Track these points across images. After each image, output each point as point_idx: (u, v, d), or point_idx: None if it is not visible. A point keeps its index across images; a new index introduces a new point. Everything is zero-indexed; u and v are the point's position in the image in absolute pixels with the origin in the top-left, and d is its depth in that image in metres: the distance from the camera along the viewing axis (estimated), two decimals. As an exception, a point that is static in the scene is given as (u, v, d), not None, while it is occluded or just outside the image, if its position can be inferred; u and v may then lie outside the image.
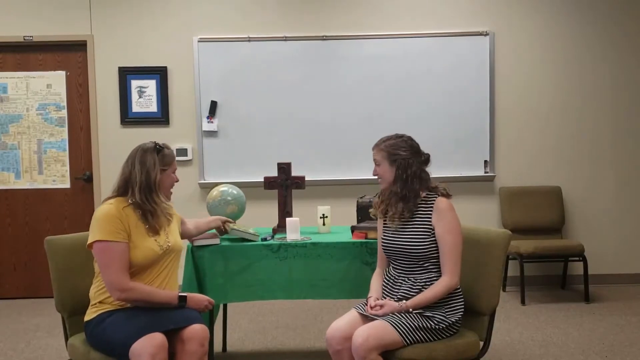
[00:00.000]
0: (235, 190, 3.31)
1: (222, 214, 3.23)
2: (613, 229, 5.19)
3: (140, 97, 5.10)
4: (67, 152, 5.16)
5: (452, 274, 2.47)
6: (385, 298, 2.56)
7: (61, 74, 5.14)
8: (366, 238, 3.03)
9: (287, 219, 3.11)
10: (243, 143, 5.07)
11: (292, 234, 3.07)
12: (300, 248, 2.99)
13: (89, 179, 5.13)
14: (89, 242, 2.40)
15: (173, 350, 2.36)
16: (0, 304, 4.98)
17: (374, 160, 2.62)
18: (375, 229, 2.91)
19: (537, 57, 5.13)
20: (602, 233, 5.18)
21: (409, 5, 5.10)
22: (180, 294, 2.49)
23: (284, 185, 3.37)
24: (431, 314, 2.45)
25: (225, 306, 3.74)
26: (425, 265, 2.54)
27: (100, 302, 2.44)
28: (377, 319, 2.43)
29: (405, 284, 2.55)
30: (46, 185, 5.15)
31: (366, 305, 2.57)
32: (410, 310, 2.44)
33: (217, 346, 3.62)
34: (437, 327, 2.44)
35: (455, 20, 5.09)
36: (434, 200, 2.55)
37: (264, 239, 3.06)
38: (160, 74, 5.08)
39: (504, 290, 4.95)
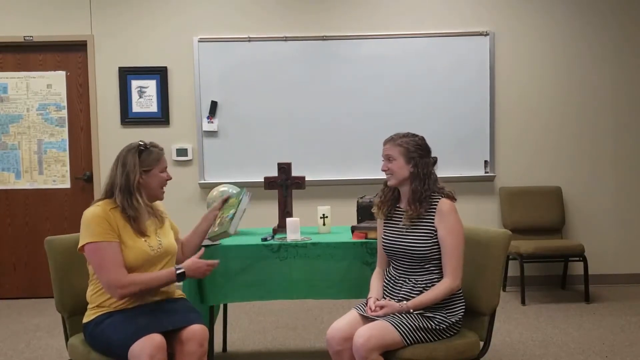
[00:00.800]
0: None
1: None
2: (613, 229, 5.19)
3: (140, 97, 5.10)
4: (67, 152, 5.16)
5: (454, 276, 2.47)
6: (386, 298, 2.56)
7: (61, 74, 5.14)
8: (366, 238, 3.03)
9: (287, 219, 3.11)
10: (243, 143, 5.07)
11: (292, 234, 3.07)
12: (300, 248, 2.99)
13: (89, 179, 5.14)
14: (79, 245, 2.40)
15: (172, 350, 2.35)
16: (0, 304, 4.98)
17: (387, 155, 2.58)
18: (375, 229, 2.90)
19: (537, 57, 5.13)
20: (602, 233, 5.18)
21: (409, 5, 5.10)
22: (177, 269, 2.44)
23: (284, 186, 3.37)
24: (432, 315, 2.45)
25: (225, 306, 3.74)
26: (427, 266, 2.53)
27: (98, 305, 2.43)
28: (377, 319, 2.43)
29: (406, 285, 2.54)
30: (46, 185, 5.16)
31: (366, 305, 2.57)
32: (411, 310, 2.44)
33: (217, 346, 3.62)
34: (437, 327, 2.44)
35: (455, 21, 5.09)
36: (437, 201, 2.54)
37: (264, 239, 3.06)
38: (160, 74, 5.08)
39: (504, 290, 4.95)
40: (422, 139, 2.63)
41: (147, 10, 5.08)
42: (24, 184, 5.15)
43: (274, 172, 3.41)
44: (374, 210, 2.71)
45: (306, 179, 3.41)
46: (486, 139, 5.10)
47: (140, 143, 2.51)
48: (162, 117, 5.10)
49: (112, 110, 5.11)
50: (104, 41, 5.08)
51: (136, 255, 2.41)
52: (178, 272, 2.43)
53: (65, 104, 5.15)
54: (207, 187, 4.83)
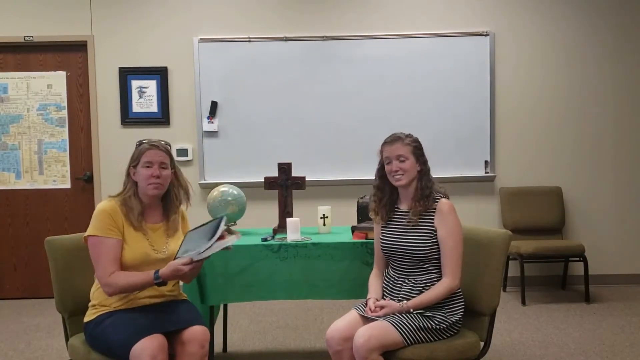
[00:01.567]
0: (235, 191, 3.32)
1: (222, 214, 3.23)
2: (613, 229, 5.19)
3: (140, 97, 5.10)
4: (67, 153, 5.16)
5: (454, 276, 2.47)
6: (385, 299, 2.56)
7: (61, 74, 5.14)
8: (366, 238, 3.03)
9: (288, 219, 3.11)
10: (243, 143, 5.07)
11: (293, 234, 3.07)
12: (300, 248, 2.99)
13: (90, 179, 5.14)
14: (84, 235, 2.43)
15: (173, 351, 2.35)
16: (0, 304, 4.98)
17: (398, 155, 2.55)
18: (375, 229, 2.90)
19: (537, 57, 5.14)
20: (602, 233, 5.18)
21: (409, 5, 5.10)
22: (155, 273, 2.35)
23: (285, 186, 3.37)
24: (432, 314, 2.46)
25: (225, 306, 3.74)
26: (426, 266, 2.54)
27: (99, 303, 2.44)
28: (377, 319, 2.43)
29: (405, 285, 2.55)
30: (46, 185, 5.16)
31: (366, 305, 2.57)
32: (411, 310, 2.44)
33: (218, 346, 3.62)
34: (437, 327, 2.44)
35: (455, 21, 5.09)
36: (437, 201, 2.55)
37: (265, 239, 3.06)
38: (160, 74, 5.08)
39: (504, 290, 4.95)
40: (416, 137, 2.67)
41: (148, 11, 5.08)
42: (24, 184, 5.15)
43: (274, 172, 3.41)
44: (372, 215, 2.70)
45: (306, 179, 3.41)
46: (486, 139, 5.10)
47: (142, 140, 2.55)
48: (162, 118, 5.10)
49: (113, 110, 5.11)
50: (104, 41, 5.08)
51: (134, 255, 2.41)
52: (155, 280, 2.34)
53: (65, 104, 5.15)
54: (208, 188, 4.83)
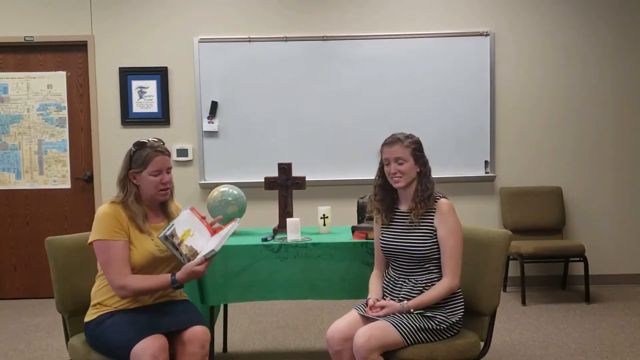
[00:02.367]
0: (235, 191, 3.32)
1: (222, 214, 3.23)
2: (613, 229, 5.19)
3: (140, 97, 5.10)
4: (67, 153, 5.16)
5: (454, 276, 2.47)
6: (386, 299, 2.56)
7: (62, 75, 5.14)
8: (366, 238, 3.02)
9: (288, 220, 3.11)
10: (243, 143, 5.07)
11: (293, 235, 3.07)
12: (300, 248, 2.99)
13: (90, 180, 5.14)
14: (89, 241, 2.41)
15: (174, 351, 2.35)
16: (0, 304, 4.99)
17: (397, 157, 2.55)
18: (376, 229, 2.90)
19: (537, 57, 5.13)
20: (602, 233, 5.18)
21: (409, 5, 5.10)
22: (172, 276, 2.36)
23: (285, 186, 3.37)
24: (432, 315, 2.46)
25: (225, 306, 3.74)
26: (426, 266, 2.54)
27: (100, 303, 2.44)
28: (378, 320, 2.44)
29: (406, 286, 2.55)
30: (47, 185, 5.16)
31: (366, 306, 2.57)
32: (412, 310, 2.44)
33: (218, 347, 3.62)
34: (438, 327, 2.44)
35: (455, 21, 5.09)
36: (436, 201, 2.55)
37: (265, 240, 3.06)
38: (160, 74, 5.08)
39: (504, 290, 4.95)
40: (418, 137, 2.64)
41: (148, 11, 5.08)
42: (24, 184, 5.15)
43: (274, 173, 3.41)
44: (375, 215, 2.69)
45: (306, 179, 3.41)
46: (486, 139, 5.10)
47: (138, 142, 2.49)
48: (162, 118, 5.10)
49: (113, 110, 5.11)
50: (105, 41, 5.08)
51: (142, 255, 2.41)
52: (173, 284, 2.36)
53: (65, 104, 5.15)
54: (208, 188, 4.83)
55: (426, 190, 2.55)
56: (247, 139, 5.07)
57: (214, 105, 5.05)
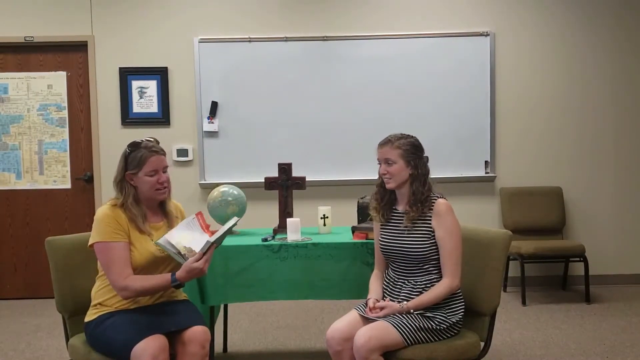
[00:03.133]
0: (236, 191, 3.32)
1: (223, 214, 3.24)
2: (614, 230, 5.19)
3: (140, 97, 5.10)
4: (67, 153, 5.16)
5: (454, 276, 2.47)
6: (386, 300, 2.55)
7: (62, 75, 5.14)
8: (367, 239, 3.02)
9: (288, 220, 3.11)
10: (244, 143, 5.07)
11: (293, 235, 3.07)
12: (300, 248, 2.99)
13: (90, 180, 5.14)
14: (89, 243, 2.41)
15: (174, 352, 2.35)
16: (0, 304, 4.98)
17: (386, 158, 2.55)
18: (376, 229, 2.90)
19: (537, 57, 5.13)
20: (602, 233, 5.18)
21: (409, 6, 5.10)
22: (172, 275, 2.36)
23: (285, 186, 3.37)
24: (432, 315, 2.46)
25: (225, 307, 3.74)
26: (426, 267, 2.54)
27: (100, 303, 2.44)
28: (378, 320, 2.43)
29: (405, 286, 2.55)
30: (47, 185, 5.16)
31: (366, 306, 2.57)
32: (412, 311, 2.44)
33: (218, 347, 3.62)
34: (438, 327, 2.44)
35: (456, 21, 5.09)
36: (434, 202, 2.54)
37: (265, 240, 3.06)
38: (160, 74, 5.08)
39: (504, 290, 4.94)
40: (416, 139, 2.62)
41: (148, 11, 5.08)
42: (24, 185, 5.15)
43: (274, 173, 3.41)
44: (373, 213, 2.69)
45: (307, 179, 3.41)
46: (487, 140, 5.10)
47: (133, 143, 2.48)
48: (162, 118, 5.10)
49: (113, 110, 5.11)
50: (105, 41, 5.08)
51: (143, 256, 2.41)
52: (173, 282, 2.36)
53: (65, 104, 5.15)
54: (208, 188, 4.83)
55: (419, 194, 2.52)
56: (247, 139, 5.07)
57: (214, 106, 5.05)
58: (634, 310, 4.44)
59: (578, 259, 4.73)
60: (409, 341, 2.38)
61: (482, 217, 5.09)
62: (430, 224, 2.52)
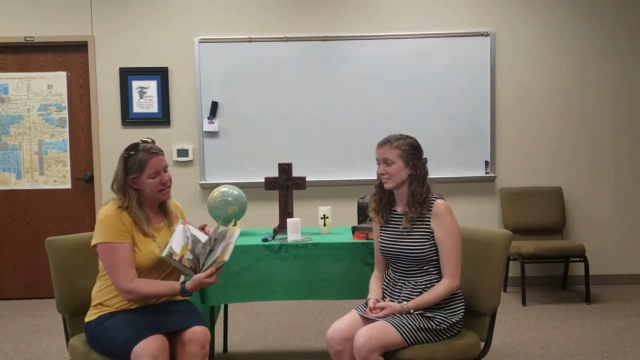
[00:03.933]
0: (236, 191, 3.31)
1: (223, 214, 3.23)
2: (614, 230, 5.19)
3: (141, 97, 5.10)
4: (67, 153, 5.16)
5: (454, 277, 2.47)
6: (386, 300, 2.55)
7: (62, 75, 5.14)
8: (367, 239, 3.02)
9: (288, 220, 3.11)
10: (244, 143, 5.07)
11: (293, 235, 3.07)
12: (301, 249, 2.99)
13: (90, 180, 5.14)
14: (92, 243, 2.41)
15: (174, 352, 2.35)
16: (0, 304, 4.98)
17: (385, 158, 2.55)
18: (376, 229, 2.90)
19: (538, 57, 5.13)
20: (603, 234, 5.18)
21: (409, 6, 5.10)
22: (182, 285, 2.39)
23: (285, 186, 3.37)
24: (432, 315, 2.46)
25: (226, 307, 3.74)
26: (425, 268, 2.53)
27: (100, 303, 2.44)
28: (378, 320, 2.43)
29: (405, 287, 2.54)
30: (47, 185, 5.16)
31: (366, 306, 2.57)
32: (412, 311, 2.44)
33: (218, 347, 3.62)
34: (438, 327, 2.44)
35: (456, 21, 5.09)
36: (432, 203, 2.54)
37: (265, 240, 3.06)
38: (161, 74, 5.08)
39: (504, 290, 4.94)
40: (415, 140, 2.61)
41: (148, 11, 5.08)
42: (24, 185, 5.15)
43: (274, 173, 3.41)
44: (372, 215, 2.69)
45: (307, 179, 3.41)
46: (487, 140, 5.10)
47: (131, 147, 2.47)
48: (162, 118, 5.10)
49: (113, 110, 5.11)
50: (105, 42, 5.08)
51: (146, 258, 2.41)
52: (182, 293, 2.39)
53: (66, 104, 5.15)
54: (208, 188, 4.81)
55: (417, 194, 2.52)
56: (247, 139, 5.07)
57: (214, 106, 5.05)
58: (634, 310, 4.44)
59: (578, 259, 4.72)
60: (409, 341, 2.38)
61: (482, 217, 5.09)
62: (429, 224, 2.52)
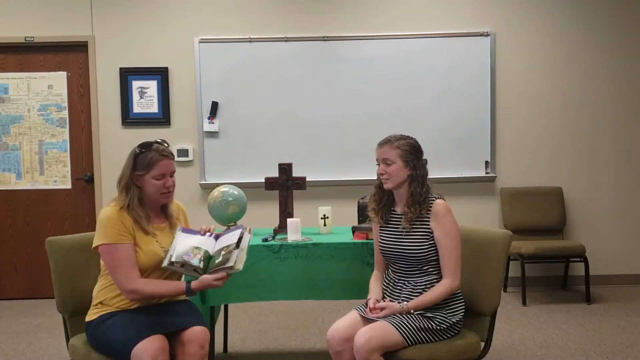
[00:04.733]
0: (236, 191, 3.32)
1: (223, 214, 3.24)
2: (614, 230, 5.19)
3: (141, 97, 5.10)
4: (68, 153, 5.16)
5: (454, 277, 2.47)
6: (386, 300, 2.55)
7: (62, 75, 5.14)
8: (367, 239, 3.02)
9: (288, 220, 3.11)
10: (244, 144, 5.07)
11: (293, 235, 3.07)
12: (301, 249, 2.99)
13: (90, 180, 5.14)
14: (94, 245, 2.40)
15: (173, 352, 2.35)
16: (1, 304, 4.98)
17: (384, 159, 2.56)
18: (376, 229, 2.90)
19: (538, 57, 5.13)
20: (603, 234, 5.17)
21: (410, 6, 5.10)
22: (187, 285, 2.39)
23: (285, 186, 3.37)
24: (432, 315, 2.46)
25: (226, 307, 3.74)
26: (425, 268, 2.54)
27: (101, 302, 2.44)
28: (378, 320, 2.43)
29: (405, 287, 2.55)
30: (47, 185, 5.16)
31: (366, 306, 2.57)
32: (412, 311, 2.44)
33: (218, 347, 3.62)
34: (438, 327, 2.44)
35: (456, 21, 5.09)
36: (432, 203, 2.54)
37: (265, 240, 3.06)
38: (161, 74, 5.08)
39: (505, 290, 4.94)
40: (416, 140, 2.61)
41: (148, 11, 5.08)
42: (24, 185, 5.15)
43: (274, 173, 3.41)
44: (372, 214, 2.69)
45: (307, 179, 3.41)
46: (487, 140, 5.09)
47: (143, 144, 2.47)
48: (162, 118, 5.10)
49: (113, 110, 5.11)
50: (105, 42, 5.08)
51: (148, 257, 2.41)
52: (188, 293, 2.40)
53: (66, 104, 5.15)
54: (208, 188, 4.82)
55: (417, 195, 2.52)
56: (247, 139, 5.07)
57: (215, 106, 5.05)
58: (634, 310, 4.44)
59: (578, 259, 4.72)
60: (409, 341, 2.38)
61: (482, 217, 5.09)
62: (428, 225, 2.52)
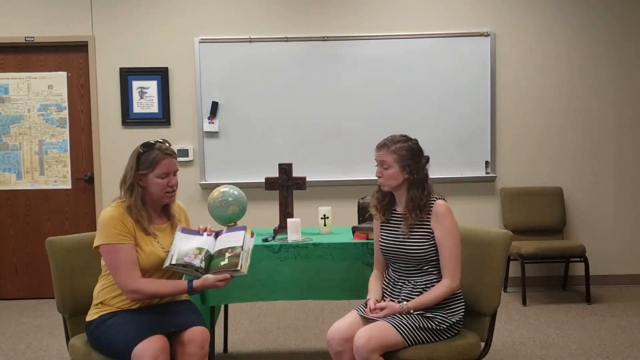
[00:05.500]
0: (236, 191, 3.32)
1: (223, 214, 3.24)
2: (614, 230, 5.19)
3: (141, 97, 5.10)
4: (68, 153, 5.16)
5: (453, 277, 2.47)
6: (386, 300, 2.55)
7: (62, 75, 5.14)
8: (367, 239, 3.03)
9: (288, 220, 3.11)
10: (244, 144, 5.07)
11: (293, 235, 3.07)
12: (301, 249, 2.99)
13: (90, 180, 5.13)
14: (94, 244, 2.41)
15: (173, 352, 2.35)
16: (1, 304, 4.98)
17: (381, 161, 2.55)
18: (376, 229, 2.90)
19: (538, 58, 5.13)
20: (603, 234, 5.17)
21: (410, 6, 5.10)
22: (189, 284, 2.38)
23: (285, 186, 3.37)
24: (432, 315, 2.46)
25: (226, 307, 3.74)
26: (425, 268, 2.54)
27: (102, 302, 2.44)
28: (378, 320, 2.43)
29: (405, 287, 2.55)
30: (47, 186, 5.16)
31: (366, 306, 2.57)
32: (412, 311, 2.44)
33: (218, 347, 3.62)
34: (438, 327, 2.44)
35: (456, 21, 5.09)
36: (432, 203, 2.54)
37: (265, 240, 3.06)
38: (161, 74, 5.08)
39: (505, 291, 4.94)
40: (416, 142, 2.59)
41: (148, 11, 5.08)
42: (24, 185, 5.15)
43: (274, 173, 3.41)
44: (373, 211, 2.69)
45: (307, 179, 3.41)
46: (487, 140, 5.09)
47: (147, 142, 2.47)
48: (163, 118, 5.10)
49: (113, 110, 5.11)
50: (105, 42, 5.08)
51: (149, 258, 2.41)
52: (189, 292, 2.40)
53: (66, 104, 5.15)
54: (208, 188, 4.83)
55: (417, 199, 2.51)
56: (247, 140, 5.07)
57: (215, 106, 5.05)
58: (634, 310, 4.44)
59: (578, 259, 4.72)
60: (409, 341, 2.38)
61: (482, 217, 5.09)
62: (429, 225, 2.52)
